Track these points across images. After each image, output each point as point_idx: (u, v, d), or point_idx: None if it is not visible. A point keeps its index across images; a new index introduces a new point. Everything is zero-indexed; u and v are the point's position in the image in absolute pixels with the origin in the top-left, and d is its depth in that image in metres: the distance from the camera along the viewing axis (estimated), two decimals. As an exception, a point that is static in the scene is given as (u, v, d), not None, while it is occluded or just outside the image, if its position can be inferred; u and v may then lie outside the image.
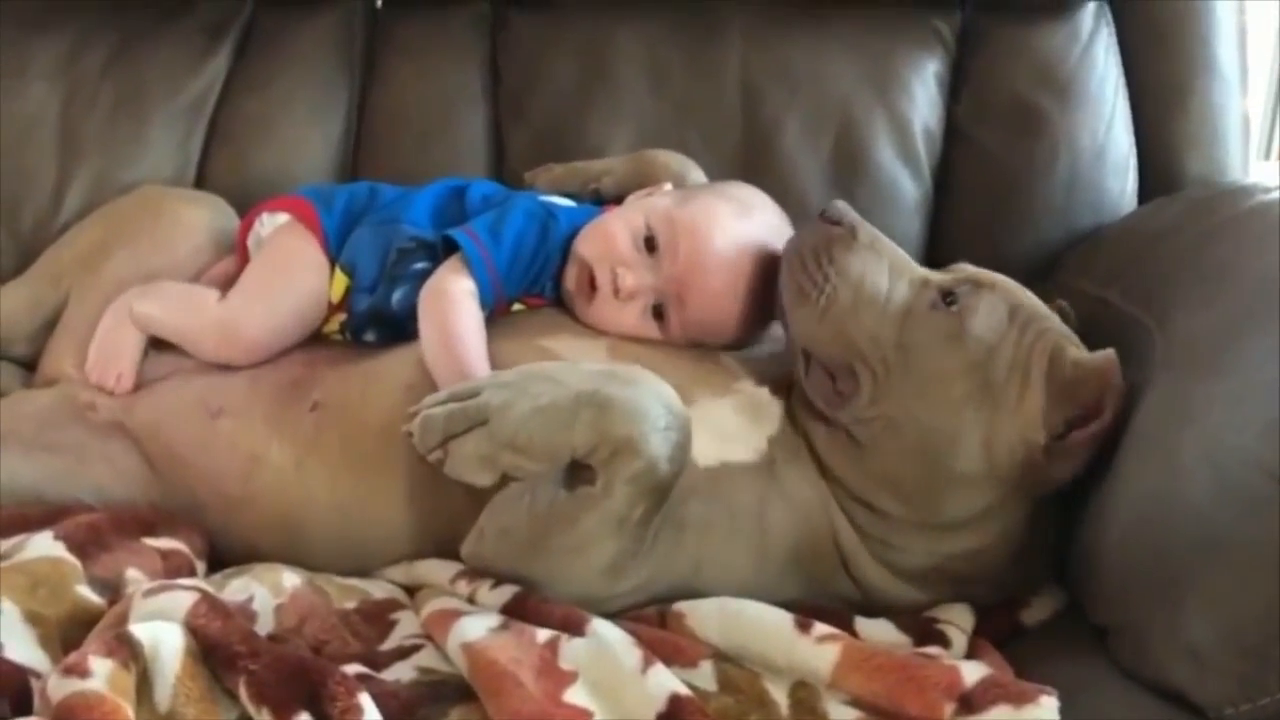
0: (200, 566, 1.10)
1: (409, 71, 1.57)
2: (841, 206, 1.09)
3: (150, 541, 1.08)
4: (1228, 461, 0.87)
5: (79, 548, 1.01)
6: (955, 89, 1.52)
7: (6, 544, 1.03)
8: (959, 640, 0.98)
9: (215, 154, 1.54)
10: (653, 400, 0.96)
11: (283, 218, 1.27)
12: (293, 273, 1.23)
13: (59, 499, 1.13)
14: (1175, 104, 1.50)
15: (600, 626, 0.90)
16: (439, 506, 1.08)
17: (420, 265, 1.19)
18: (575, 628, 0.90)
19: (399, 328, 1.20)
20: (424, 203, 1.25)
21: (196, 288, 1.27)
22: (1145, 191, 1.49)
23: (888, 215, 1.48)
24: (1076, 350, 1.04)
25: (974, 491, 1.02)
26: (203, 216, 1.37)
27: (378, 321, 1.22)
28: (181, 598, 0.89)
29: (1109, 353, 1.01)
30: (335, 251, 1.23)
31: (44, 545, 1.00)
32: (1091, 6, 1.52)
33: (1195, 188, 1.41)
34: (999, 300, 1.04)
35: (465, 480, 0.96)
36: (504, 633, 0.89)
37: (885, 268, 1.06)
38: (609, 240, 1.16)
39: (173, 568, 1.06)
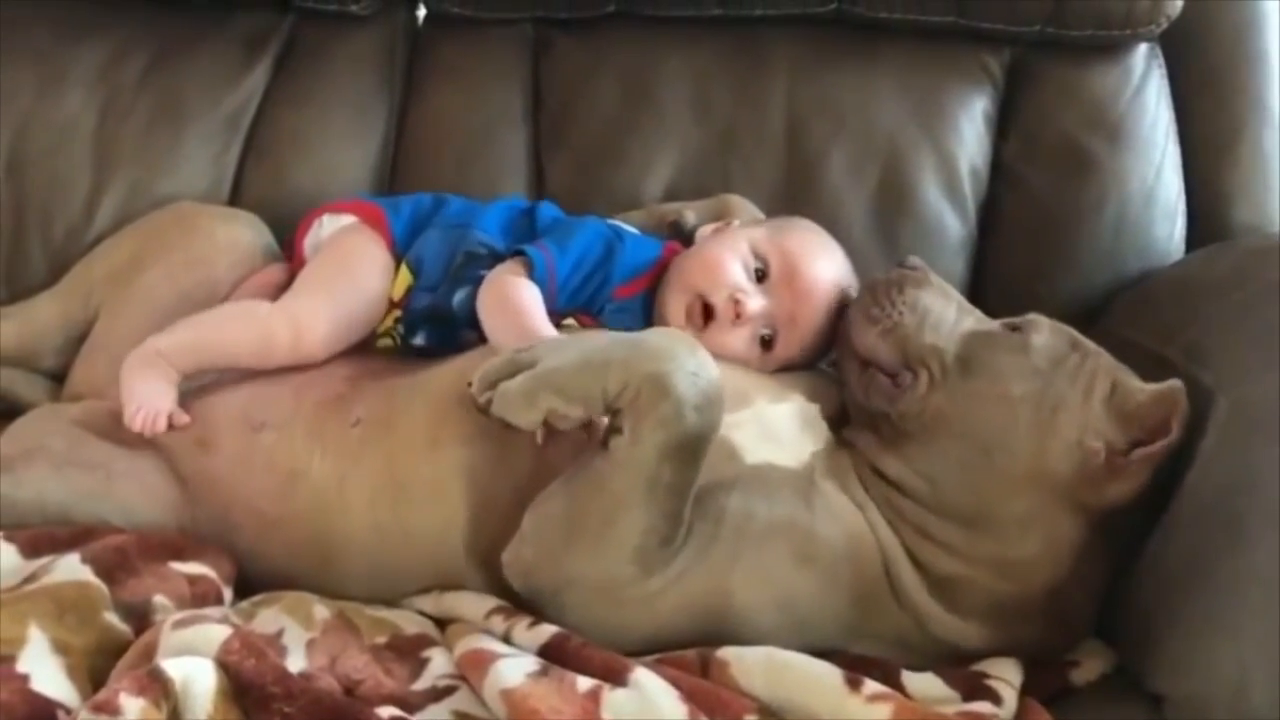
0: (227, 593, 1.07)
1: (449, 91, 1.55)
2: (918, 259, 1.16)
3: (178, 566, 1.05)
4: (1298, 531, 0.84)
5: (106, 572, 1.00)
6: (1003, 127, 1.50)
7: (34, 565, 1.01)
8: (1010, 697, 0.96)
9: (251, 168, 1.51)
10: (683, 348, 0.98)
11: (347, 219, 1.28)
12: (358, 270, 1.23)
13: (86, 519, 1.10)
14: (1226, 150, 1.48)
15: (643, 677, 0.87)
16: (479, 530, 1.07)
17: (486, 271, 1.20)
18: (617, 677, 0.88)
19: (452, 330, 1.21)
20: (494, 216, 1.27)
21: (230, 305, 1.25)
22: (1192, 238, 1.46)
23: (931, 253, 1.44)
24: (1139, 382, 1.05)
25: (1021, 492, 1.01)
26: (238, 233, 1.35)
27: (433, 320, 1.23)
28: (214, 632, 0.87)
29: (1175, 381, 1.02)
30: (402, 252, 1.25)
31: (71, 568, 0.99)
32: (1143, 48, 1.49)
33: (1247, 238, 1.38)
34: (1062, 331, 1.09)
35: (508, 419, 0.98)
36: (544, 679, 0.87)
37: (954, 307, 1.12)
38: (721, 269, 1.18)
39: (199, 594, 1.04)
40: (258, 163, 1.52)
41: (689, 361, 0.97)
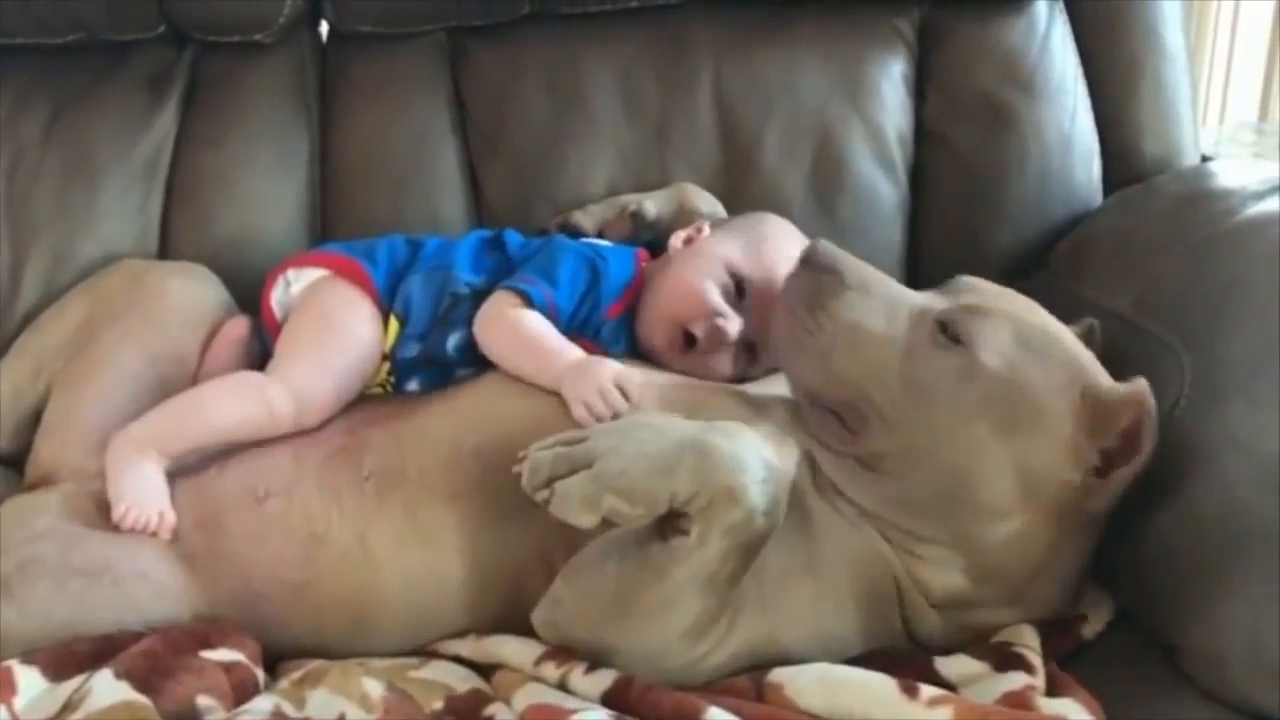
0: (259, 673, 1.07)
1: (369, 111, 1.51)
2: (824, 248, 1.09)
3: (209, 655, 1.04)
4: (1293, 492, 0.92)
5: (144, 682, 0.98)
6: (921, 89, 1.53)
7: (66, 688, 0.99)
8: (1039, 664, 1.00)
9: (176, 216, 1.46)
10: (752, 453, 0.97)
11: (316, 273, 1.25)
12: (348, 326, 1.21)
13: (100, 629, 1.06)
14: (1130, 88, 1.53)
15: (718, 717, 0.90)
16: (503, 563, 1.10)
17: (475, 312, 1.20)
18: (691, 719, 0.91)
19: (447, 373, 1.21)
20: (466, 252, 1.27)
21: (215, 382, 1.21)
22: (1108, 176, 1.52)
23: (869, 222, 1.50)
24: (1106, 380, 1.04)
25: (1004, 520, 1.02)
26: (191, 289, 1.32)
27: (427, 366, 1.22)
28: (295, 743, 0.87)
29: (1141, 383, 1.00)
30: (388, 303, 1.23)
31: (109, 689, 0.96)
32: (1044, -5, 1.54)
33: (1164, 180, 1.44)
34: (1001, 327, 1.04)
35: (568, 520, 0.97)
36: (625, 734, 0.90)
37: (879, 306, 1.06)
38: (699, 298, 1.20)
39: (238, 683, 1.03)
40: (182, 210, 1.47)
41: (760, 469, 0.96)
